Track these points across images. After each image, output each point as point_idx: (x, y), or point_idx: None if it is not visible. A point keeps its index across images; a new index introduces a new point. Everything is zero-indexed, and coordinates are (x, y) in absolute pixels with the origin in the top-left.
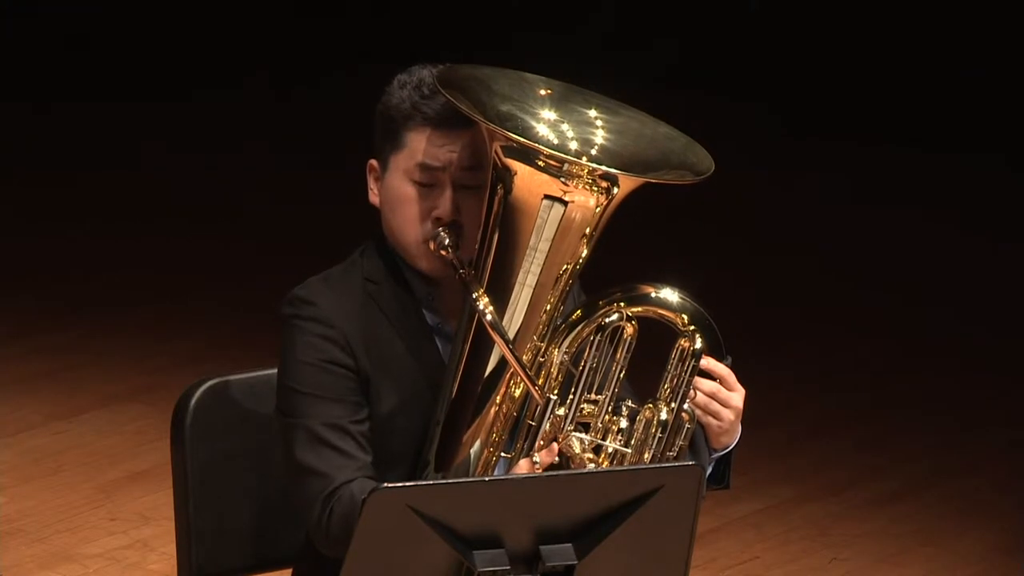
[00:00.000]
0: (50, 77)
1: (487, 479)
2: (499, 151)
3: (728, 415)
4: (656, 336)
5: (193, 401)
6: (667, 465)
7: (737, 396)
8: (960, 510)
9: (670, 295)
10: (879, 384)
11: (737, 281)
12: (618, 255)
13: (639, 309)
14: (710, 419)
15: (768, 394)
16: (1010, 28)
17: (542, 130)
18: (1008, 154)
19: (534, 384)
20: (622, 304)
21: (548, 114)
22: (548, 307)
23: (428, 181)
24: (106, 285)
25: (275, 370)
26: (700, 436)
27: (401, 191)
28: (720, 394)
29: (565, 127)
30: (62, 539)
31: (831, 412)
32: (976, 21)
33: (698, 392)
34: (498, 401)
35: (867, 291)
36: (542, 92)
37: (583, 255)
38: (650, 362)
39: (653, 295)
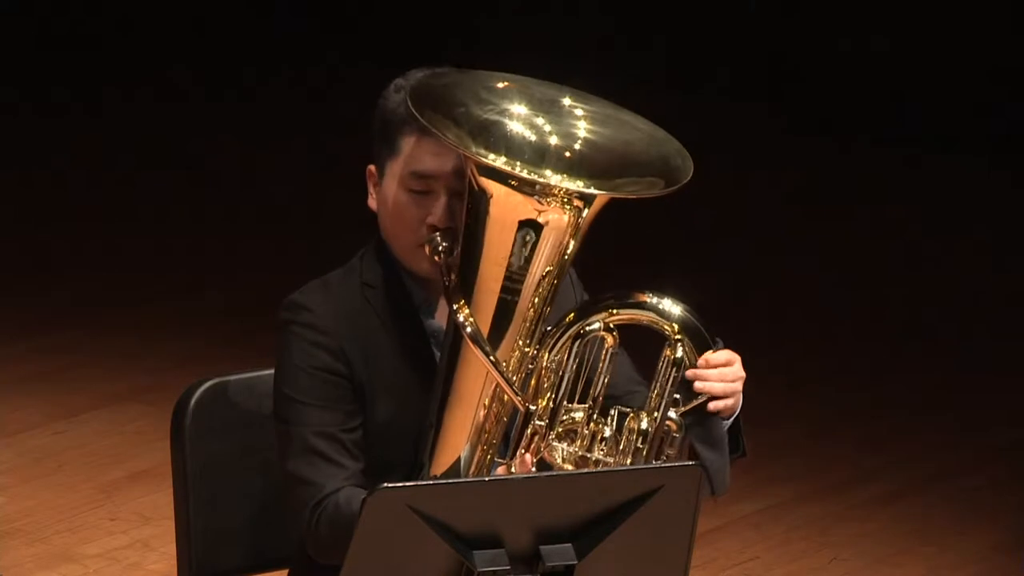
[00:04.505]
0: (43, 77)
1: (487, 479)
2: (474, 169)
3: (737, 388)
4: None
5: (193, 401)
6: (667, 465)
7: (737, 370)
8: (960, 510)
9: (659, 302)
10: (879, 384)
11: (736, 281)
12: (614, 256)
13: (629, 315)
14: (729, 404)
15: (768, 394)
16: (1009, 29)
17: (518, 137)
18: (1008, 154)
19: (516, 394)
20: (613, 311)
21: (529, 119)
22: (532, 311)
23: (422, 188)
24: (106, 285)
25: (274, 370)
26: (719, 428)
27: (396, 197)
28: (729, 387)
29: (545, 125)
30: (62, 539)
31: (831, 412)
32: (975, 20)
33: (713, 384)
34: (486, 403)
35: (866, 291)
36: (524, 93)
37: (569, 252)
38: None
39: (643, 302)
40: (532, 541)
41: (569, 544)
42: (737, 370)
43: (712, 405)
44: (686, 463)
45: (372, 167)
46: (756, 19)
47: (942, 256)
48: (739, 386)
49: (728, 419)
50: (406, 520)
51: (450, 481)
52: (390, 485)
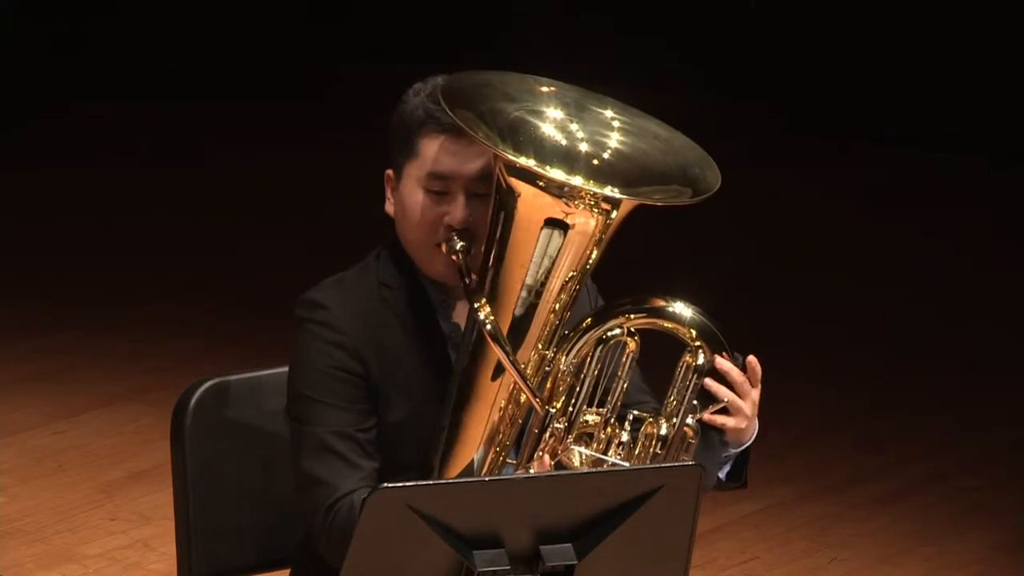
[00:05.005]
0: (42, 77)
1: (487, 479)
2: (503, 168)
3: (747, 410)
4: (678, 344)
5: (193, 401)
6: (667, 465)
7: (755, 392)
8: (960, 510)
9: (678, 308)
10: (879, 384)
11: (736, 281)
12: (618, 258)
13: (646, 321)
14: (728, 422)
15: (768, 394)
16: (1010, 28)
17: (551, 134)
18: (1008, 154)
19: (535, 395)
20: (631, 316)
21: (561, 117)
22: (552, 316)
23: (440, 189)
24: (106, 285)
25: (275, 370)
26: (716, 432)
27: (413, 199)
28: (735, 402)
29: (577, 130)
30: (62, 539)
31: (831, 412)
32: (976, 20)
33: (722, 394)
34: (503, 405)
35: (866, 291)
36: (556, 94)
37: (591, 259)
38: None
39: (661, 308)
40: (532, 541)
41: (569, 544)
42: (755, 395)
43: (708, 416)
44: (686, 463)
45: (390, 171)
46: (756, 19)
47: (942, 256)
48: (747, 408)
49: (739, 447)
50: (406, 520)
51: (450, 481)
52: (390, 485)
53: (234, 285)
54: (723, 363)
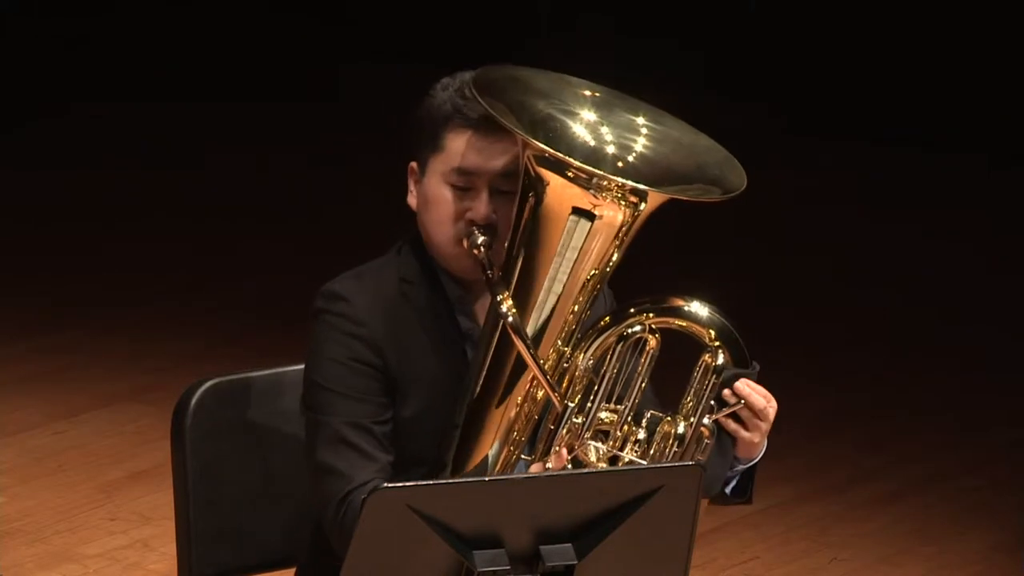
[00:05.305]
0: (42, 77)
1: (487, 479)
2: (531, 159)
3: (764, 428)
4: (691, 346)
5: (193, 401)
6: (667, 465)
7: (772, 412)
8: (960, 510)
9: (698, 308)
10: (879, 384)
11: (737, 280)
12: (624, 258)
13: (665, 320)
14: (742, 431)
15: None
16: (1010, 28)
17: (579, 132)
18: (1008, 154)
19: (554, 390)
20: (650, 315)
21: (589, 117)
22: (573, 312)
23: (464, 184)
24: (106, 285)
25: (275, 370)
26: (728, 441)
27: (437, 193)
28: (752, 418)
29: (604, 130)
30: (62, 539)
31: (830, 412)
32: (976, 20)
33: (746, 403)
34: (519, 402)
35: (867, 291)
36: (585, 94)
37: (613, 260)
38: (683, 372)
39: (680, 307)
40: (532, 541)
41: (569, 544)
42: (770, 413)
43: (722, 419)
44: (686, 463)
45: (414, 164)
46: (756, 19)
47: (942, 255)
48: (762, 425)
49: (748, 462)
50: (406, 520)
51: (450, 481)
52: (390, 485)
53: (234, 285)
54: (742, 388)
